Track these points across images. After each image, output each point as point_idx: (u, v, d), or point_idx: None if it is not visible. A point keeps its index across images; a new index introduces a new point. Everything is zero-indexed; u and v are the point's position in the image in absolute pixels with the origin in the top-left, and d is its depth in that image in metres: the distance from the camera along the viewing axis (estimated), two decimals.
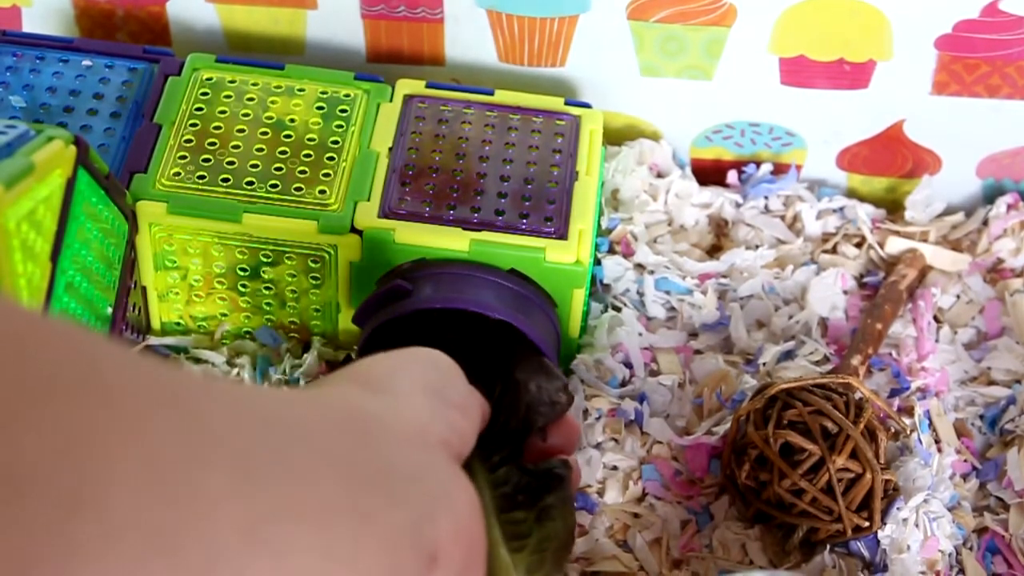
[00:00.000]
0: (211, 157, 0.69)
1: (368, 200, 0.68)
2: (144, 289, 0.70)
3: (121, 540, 0.30)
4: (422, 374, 0.47)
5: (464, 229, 0.67)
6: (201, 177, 0.68)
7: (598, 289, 0.76)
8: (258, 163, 0.69)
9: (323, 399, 0.43)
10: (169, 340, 0.72)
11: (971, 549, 0.67)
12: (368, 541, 0.38)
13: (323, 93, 0.72)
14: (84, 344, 0.32)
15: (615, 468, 0.69)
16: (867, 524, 0.65)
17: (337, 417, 0.41)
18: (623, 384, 0.72)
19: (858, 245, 0.80)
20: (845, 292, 0.77)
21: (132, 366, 0.33)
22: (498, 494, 0.53)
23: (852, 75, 0.78)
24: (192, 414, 0.34)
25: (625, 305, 0.75)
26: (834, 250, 0.80)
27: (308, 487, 0.36)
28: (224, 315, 0.71)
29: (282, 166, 0.69)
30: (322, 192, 0.68)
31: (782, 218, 0.81)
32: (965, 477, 0.70)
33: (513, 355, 0.60)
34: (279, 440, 0.36)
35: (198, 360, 0.71)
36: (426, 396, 0.46)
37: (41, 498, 0.29)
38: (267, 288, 0.70)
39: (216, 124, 0.70)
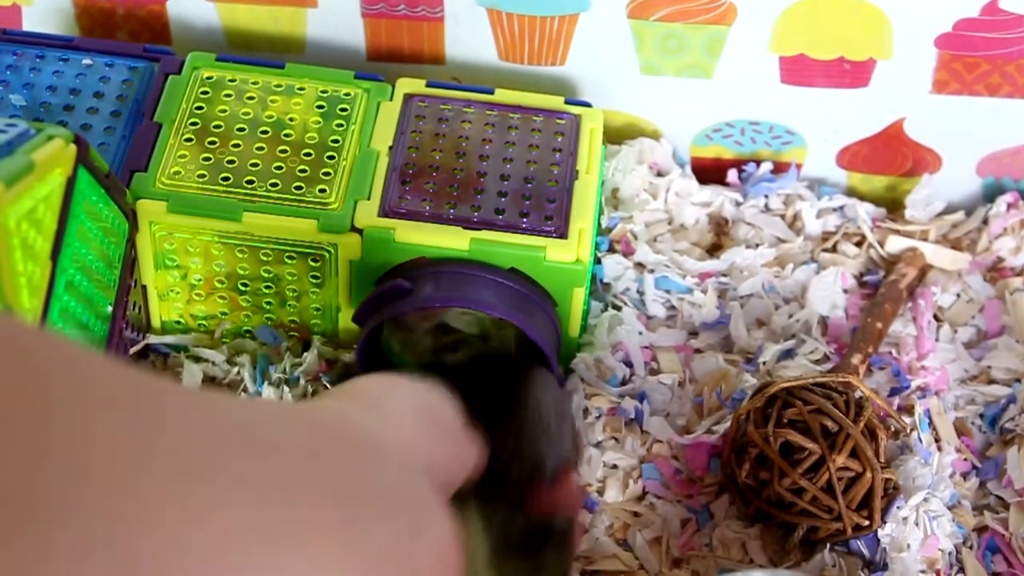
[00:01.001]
0: (211, 156, 0.69)
1: (368, 199, 0.68)
2: (144, 288, 0.70)
3: (75, 558, 0.28)
4: (413, 399, 0.46)
5: (464, 228, 0.67)
6: (201, 176, 0.68)
7: (598, 288, 0.76)
8: (258, 162, 0.69)
9: (312, 411, 0.43)
10: (169, 339, 0.72)
11: (971, 548, 0.67)
12: (354, 557, 0.37)
13: (323, 92, 0.72)
14: (29, 344, 0.31)
15: (615, 467, 0.69)
16: (867, 523, 0.65)
17: (326, 430, 0.40)
18: (623, 383, 0.72)
19: (858, 244, 0.80)
20: (845, 291, 0.77)
21: (83, 365, 0.31)
22: (492, 541, 0.51)
23: (852, 74, 0.78)
24: (153, 419, 0.32)
25: (625, 304, 0.75)
26: (834, 249, 0.80)
27: (292, 500, 0.35)
28: (224, 314, 0.71)
29: (282, 165, 0.69)
30: (322, 191, 0.68)
31: (782, 217, 0.81)
32: (965, 476, 0.70)
33: (525, 400, 0.57)
34: (261, 449, 0.35)
35: (198, 359, 0.71)
36: (415, 421, 0.45)
37: None
38: (267, 287, 0.70)
39: (216, 123, 0.70)
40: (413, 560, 0.39)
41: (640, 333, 0.74)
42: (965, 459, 0.71)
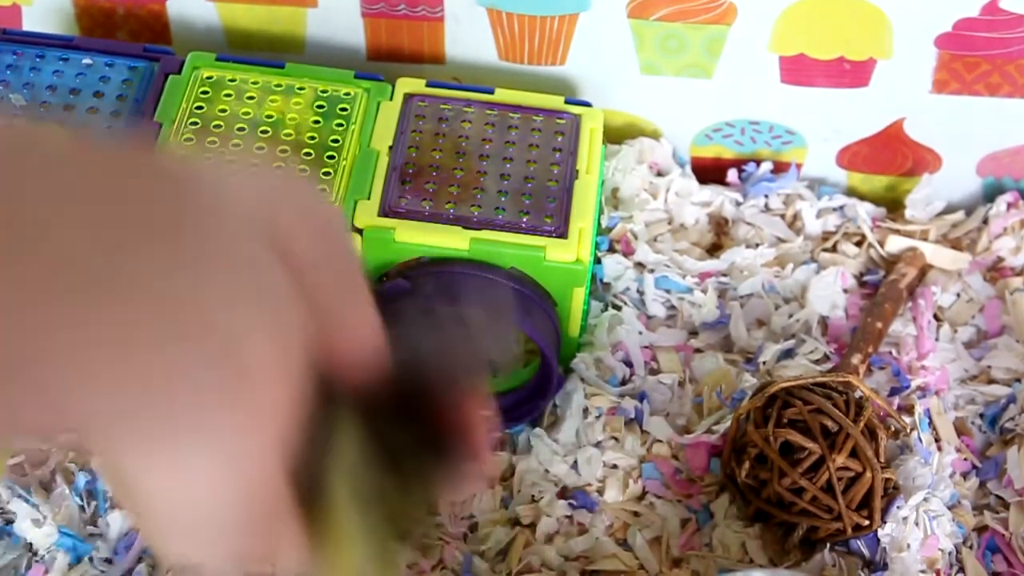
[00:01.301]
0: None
1: (368, 199, 0.68)
2: None
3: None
4: (294, 197, 0.38)
5: (464, 228, 0.67)
6: None
7: (598, 288, 0.76)
8: (258, 162, 0.69)
9: (168, 161, 0.36)
10: None
11: (971, 548, 0.67)
12: (171, 326, 0.31)
13: (323, 92, 0.72)
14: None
15: (615, 467, 0.69)
16: (867, 523, 0.65)
17: (179, 189, 0.34)
18: (623, 383, 0.72)
19: (858, 244, 0.80)
20: (845, 291, 0.77)
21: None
22: (362, 447, 0.46)
23: (852, 73, 0.78)
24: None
25: (625, 304, 0.75)
26: (834, 249, 0.80)
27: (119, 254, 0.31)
28: None
29: (282, 165, 0.69)
30: (322, 191, 0.68)
31: (782, 217, 0.81)
32: (965, 476, 0.70)
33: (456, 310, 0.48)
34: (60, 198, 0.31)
35: None
36: (281, 208, 0.37)
37: None
38: None
39: (216, 123, 0.70)
40: (246, 349, 0.33)
41: (640, 333, 0.74)
42: (965, 459, 0.71)
